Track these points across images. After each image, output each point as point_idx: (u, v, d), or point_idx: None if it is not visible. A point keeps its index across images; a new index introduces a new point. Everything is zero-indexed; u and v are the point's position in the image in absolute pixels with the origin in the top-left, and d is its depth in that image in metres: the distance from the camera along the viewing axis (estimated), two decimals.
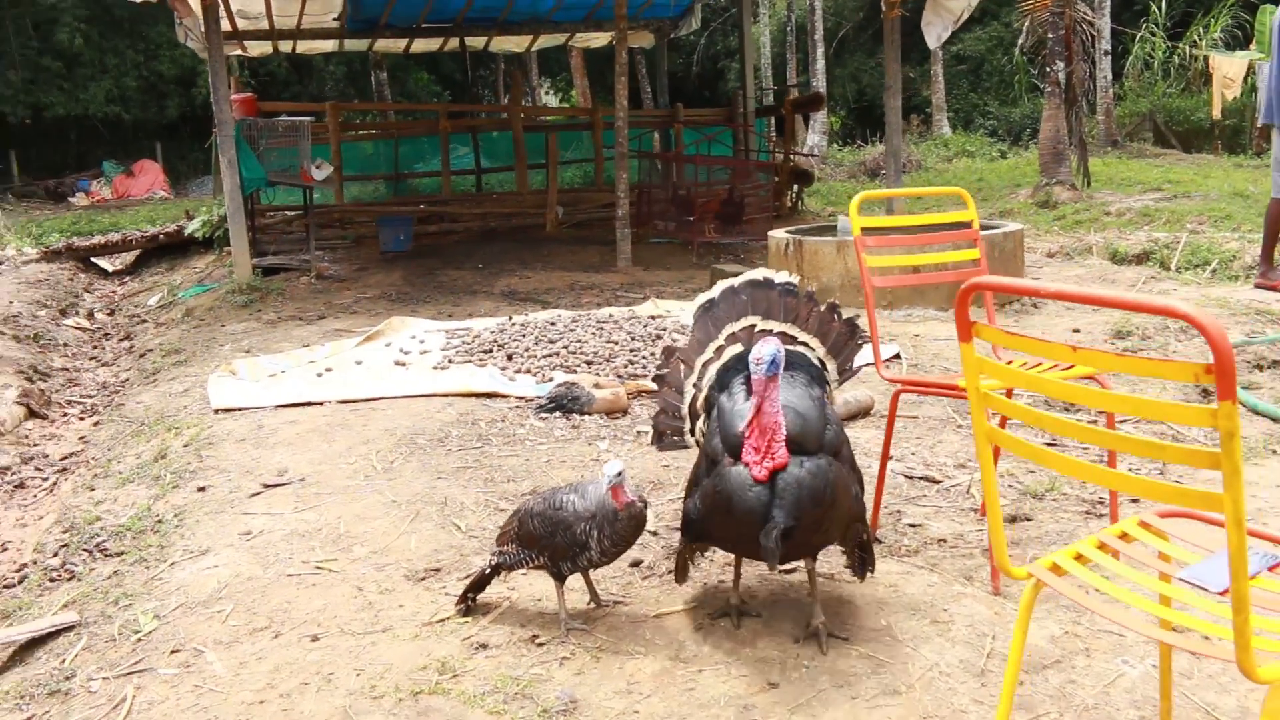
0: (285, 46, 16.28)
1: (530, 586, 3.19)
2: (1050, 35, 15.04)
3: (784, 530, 2.49)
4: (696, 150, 13.71)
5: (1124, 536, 2.06)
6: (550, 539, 2.82)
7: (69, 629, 3.32)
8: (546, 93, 41.23)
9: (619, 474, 2.72)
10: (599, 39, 17.15)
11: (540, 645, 2.81)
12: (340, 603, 3.19)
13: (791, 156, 13.76)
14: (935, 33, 10.61)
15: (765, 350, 2.52)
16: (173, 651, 3.00)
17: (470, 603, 3.05)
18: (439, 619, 3.02)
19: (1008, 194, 16.12)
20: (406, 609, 3.12)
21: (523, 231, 13.33)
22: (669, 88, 17.80)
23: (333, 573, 3.42)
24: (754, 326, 3.00)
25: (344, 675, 2.74)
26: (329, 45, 16.85)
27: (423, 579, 3.33)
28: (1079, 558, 2.00)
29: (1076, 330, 6.72)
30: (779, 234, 8.20)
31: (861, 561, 2.87)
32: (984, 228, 8.05)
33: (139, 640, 3.11)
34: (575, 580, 3.06)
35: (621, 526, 2.76)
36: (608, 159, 13.65)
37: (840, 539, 2.78)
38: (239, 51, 16.02)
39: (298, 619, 3.11)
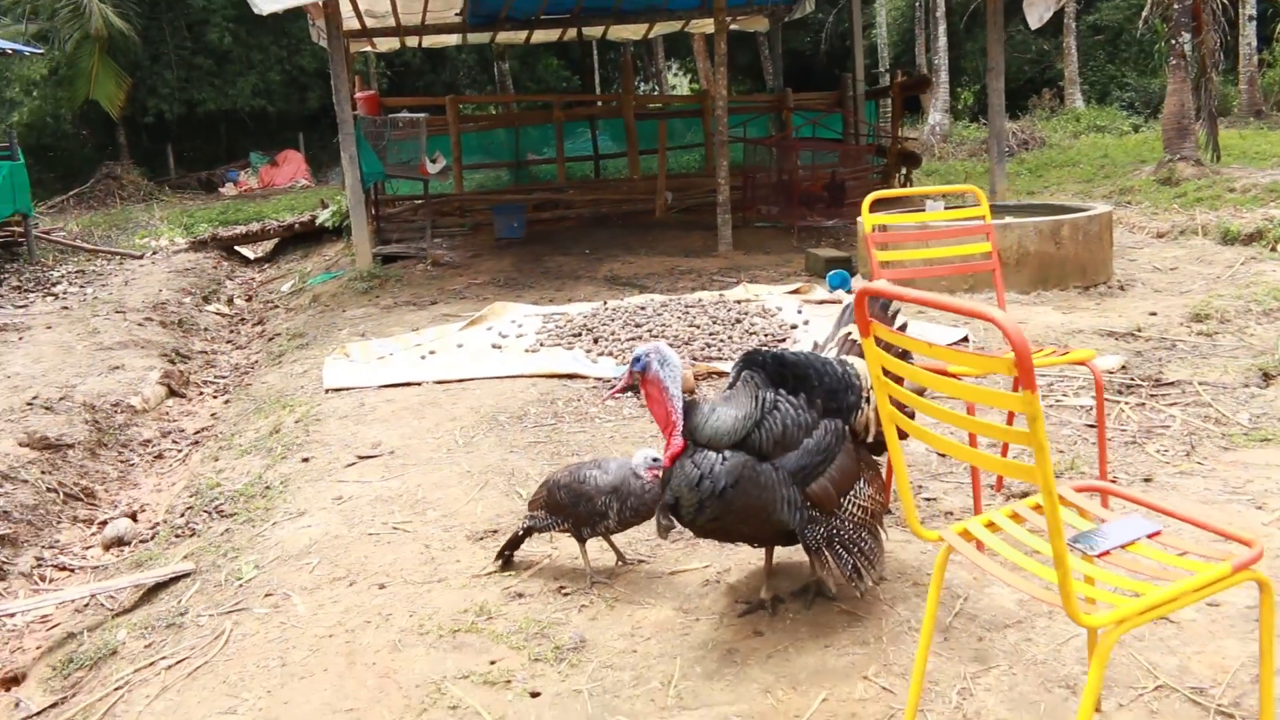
0: (412, 42, 17.06)
1: (570, 546, 3.61)
2: (1176, 5, 14.63)
3: (667, 505, 2.88)
4: (799, 135, 13.89)
5: (1037, 508, 2.34)
6: (574, 508, 3.24)
7: (186, 576, 3.89)
8: (675, 74, 41.56)
9: (656, 459, 3.14)
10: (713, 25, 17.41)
11: (565, 595, 3.24)
12: (408, 557, 3.67)
13: (899, 139, 13.82)
14: (1037, 13, 10.59)
15: (636, 350, 2.90)
16: (266, 595, 3.52)
17: (507, 558, 3.49)
18: (487, 572, 3.47)
19: (1131, 171, 15.77)
20: (462, 563, 3.58)
21: (633, 217, 13.76)
22: (797, 67, 17.89)
23: (406, 532, 3.91)
24: (849, 334, 3.23)
25: (400, 616, 3.21)
26: (454, 39, 17.56)
27: (481, 539, 3.79)
28: (990, 525, 2.30)
29: (1153, 313, 6.78)
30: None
31: (844, 569, 2.89)
32: (1073, 211, 8.15)
33: (241, 586, 3.65)
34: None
35: (636, 501, 3.17)
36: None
37: (773, 538, 3.02)
38: (369, 47, 16.87)
39: (371, 570, 3.60)
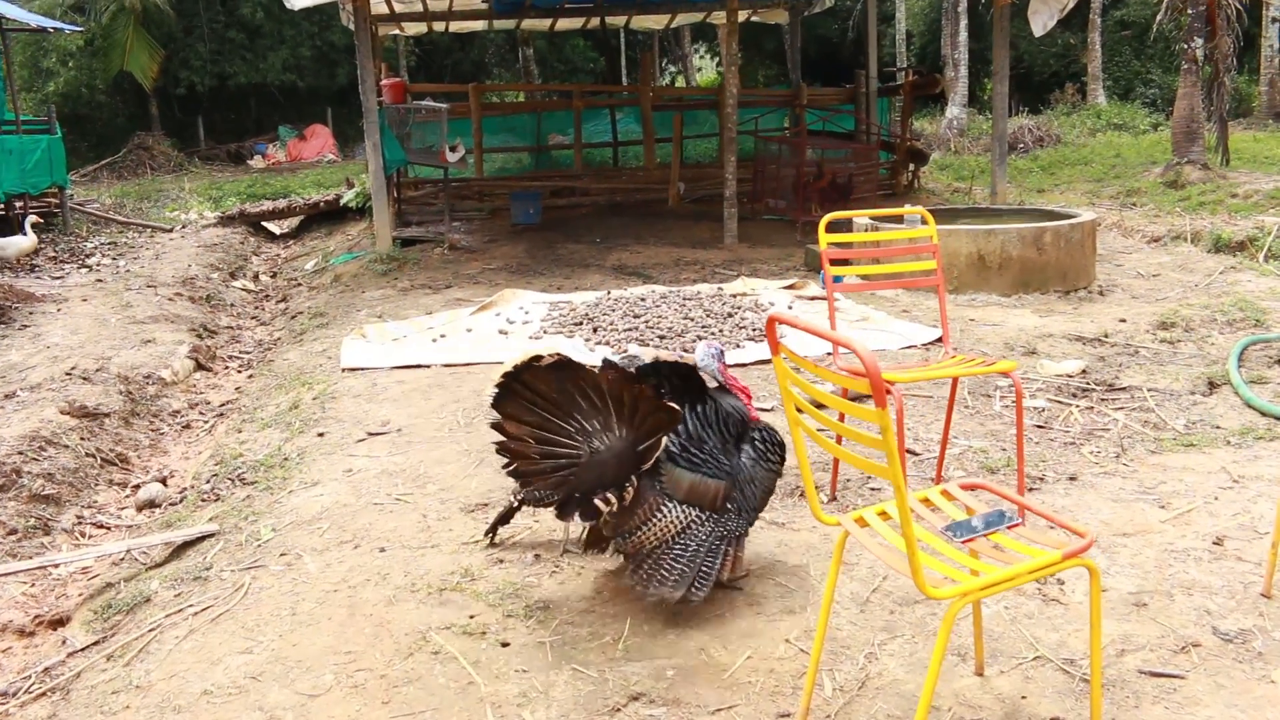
0: (440, 26, 17.49)
1: (549, 520, 4.06)
2: (1190, 10, 14.83)
3: None
4: (811, 130, 14.25)
5: (926, 501, 2.78)
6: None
7: (211, 536, 4.37)
8: (702, 57, 41.85)
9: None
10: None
11: (541, 561, 3.70)
12: (407, 525, 4.14)
13: (908, 138, 14.17)
14: (1041, 20, 10.91)
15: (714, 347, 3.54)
16: (281, 555, 4.00)
17: (494, 534, 3.94)
18: (475, 540, 3.94)
19: (1141, 172, 16.03)
20: (455, 532, 4.04)
21: (646, 205, 14.19)
22: (823, 54, 18.12)
23: (407, 503, 4.38)
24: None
25: (396, 576, 3.68)
26: (479, 25, 17.99)
27: (473, 511, 4.25)
28: (883, 514, 2.73)
29: (1123, 320, 7.16)
30: (862, 220, 8.80)
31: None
32: (1059, 218, 8.53)
33: (259, 546, 4.12)
34: None
35: None
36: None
37: None
38: (397, 31, 17.32)
39: (374, 535, 4.07)
